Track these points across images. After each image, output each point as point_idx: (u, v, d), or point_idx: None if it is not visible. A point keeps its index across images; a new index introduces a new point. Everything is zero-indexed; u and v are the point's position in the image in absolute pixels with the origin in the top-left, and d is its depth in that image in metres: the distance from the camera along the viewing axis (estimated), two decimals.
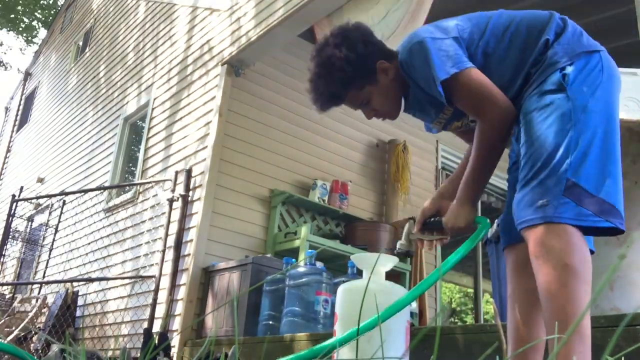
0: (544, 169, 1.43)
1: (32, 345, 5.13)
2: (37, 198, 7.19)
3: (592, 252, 1.45)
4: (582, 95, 1.47)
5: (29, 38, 17.72)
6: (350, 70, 1.73)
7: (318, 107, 1.83)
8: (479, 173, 1.64)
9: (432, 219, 1.74)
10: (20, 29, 17.23)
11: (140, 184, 5.33)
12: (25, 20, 17.23)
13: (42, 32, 17.17)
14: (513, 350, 1.56)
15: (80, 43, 9.31)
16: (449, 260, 1.50)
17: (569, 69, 1.49)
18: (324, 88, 1.78)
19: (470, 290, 7.59)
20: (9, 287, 7.27)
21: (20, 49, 19.83)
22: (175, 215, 4.53)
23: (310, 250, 4.23)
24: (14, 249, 7.72)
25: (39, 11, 17.19)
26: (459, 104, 1.64)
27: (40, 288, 6.45)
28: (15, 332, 5.09)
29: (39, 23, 17.49)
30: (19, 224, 8.04)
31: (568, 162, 1.41)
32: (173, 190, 4.65)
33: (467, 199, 1.65)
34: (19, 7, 16.50)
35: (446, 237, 1.74)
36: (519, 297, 1.64)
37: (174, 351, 3.98)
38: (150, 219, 4.97)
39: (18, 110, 11.83)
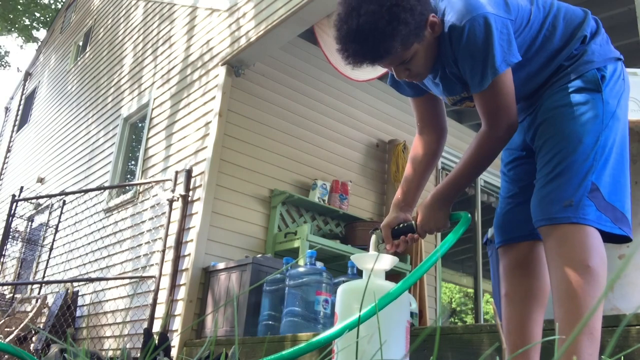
0: (573, 167, 1.41)
1: (32, 345, 5.13)
2: (37, 198, 7.19)
3: None
4: (613, 100, 1.47)
5: (28, 37, 17.71)
6: (413, 23, 1.45)
7: (353, 64, 1.51)
8: (466, 179, 1.60)
9: (400, 225, 1.71)
10: (18, 28, 17.22)
11: (141, 184, 5.33)
12: (26, 21, 17.22)
13: (42, 32, 17.17)
14: (509, 352, 1.54)
15: (80, 43, 9.31)
16: (437, 251, 1.46)
17: (606, 71, 1.49)
18: (374, 42, 1.44)
19: (470, 290, 7.60)
20: (9, 287, 7.27)
21: (21, 46, 19.85)
22: (175, 215, 4.53)
23: (310, 251, 4.23)
24: (14, 249, 7.72)
25: (39, 11, 17.17)
26: (479, 98, 1.52)
27: (40, 288, 6.45)
28: (15, 332, 5.09)
29: (39, 24, 17.48)
30: (19, 224, 8.04)
31: (595, 165, 1.41)
32: (173, 191, 4.65)
33: (446, 202, 1.62)
34: (19, 7, 16.48)
35: (418, 236, 1.70)
36: (514, 298, 1.62)
37: (174, 351, 3.98)
38: (150, 219, 4.97)
39: (18, 110, 11.83)
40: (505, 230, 1.68)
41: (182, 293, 4.20)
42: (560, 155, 1.44)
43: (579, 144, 1.42)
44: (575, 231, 1.37)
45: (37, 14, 17.17)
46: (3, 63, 18.72)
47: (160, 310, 4.32)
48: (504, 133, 1.53)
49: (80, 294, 5.54)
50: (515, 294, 1.63)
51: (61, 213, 6.77)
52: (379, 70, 5.02)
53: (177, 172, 4.72)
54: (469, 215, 1.61)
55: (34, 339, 5.17)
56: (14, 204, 6.39)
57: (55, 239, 6.77)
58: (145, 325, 4.35)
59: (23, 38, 17.75)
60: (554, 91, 1.53)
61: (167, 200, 4.63)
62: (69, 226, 6.60)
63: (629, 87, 1.56)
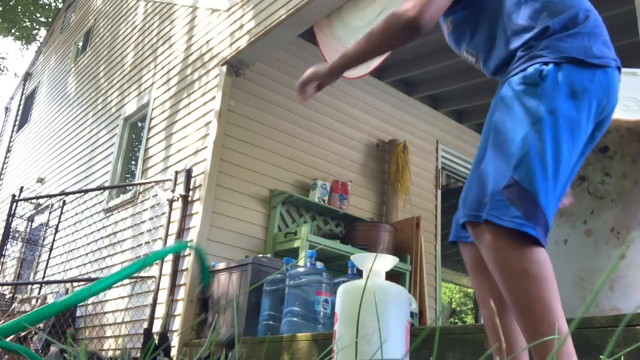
0: (493, 162, 1.35)
1: (32, 345, 5.13)
2: (37, 198, 7.19)
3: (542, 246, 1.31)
4: (556, 95, 1.35)
5: (28, 38, 17.71)
6: None
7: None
8: (355, 51, 1.70)
9: None
10: (18, 31, 17.21)
11: (141, 184, 5.33)
12: (27, 23, 17.21)
13: (42, 33, 17.16)
14: (493, 344, 1.50)
15: (80, 43, 9.31)
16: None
17: (551, 67, 1.37)
18: None
19: (470, 290, 7.60)
20: (9, 287, 7.27)
21: (20, 50, 19.89)
22: (176, 215, 4.53)
23: (310, 251, 4.24)
24: (14, 249, 7.73)
25: (39, 11, 17.17)
26: None
27: (40, 288, 6.45)
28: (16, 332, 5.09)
29: (39, 25, 17.48)
30: (19, 224, 8.04)
31: (518, 159, 1.32)
32: (173, 191, 4.65)
33: (331, 66, 1.76)
34: (19, 8, 16.48)
35: None
36: (481, 300, 1.55)
37: (174, 351, 3.98)
38: (150, 219, 4.98)
39: (18, 110, 11.84)
40: (455, 227, 1.60)
41: (182, 293, 4.21)
42: (482, 149, 1.40)
43: (504, 138, 1.36)
44: (493, 232, 1.29)
45: (38, 15, 17.16)
46: (1, 68, 18.78)
47: (160, 310, 4.32)
48: (408, 11, 1.50)
49: None
50: (479, 294, 1.56)
51: (61, 213, 6.78)
52: (369, 66, 5.01)
53: (177, 172, 4.72)
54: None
55: (34, 339, 5.17)
56: (14, 204, 6.40)
57: (55, 239, 6.77)
58: (145, 325, 4.36)
59: (23, 40, 17.74)
60: (502, 83, 1.47)
61: (167, 200, 4.63)
62: (69, 226, 6.60)
63: (591, 90, 1.39)
